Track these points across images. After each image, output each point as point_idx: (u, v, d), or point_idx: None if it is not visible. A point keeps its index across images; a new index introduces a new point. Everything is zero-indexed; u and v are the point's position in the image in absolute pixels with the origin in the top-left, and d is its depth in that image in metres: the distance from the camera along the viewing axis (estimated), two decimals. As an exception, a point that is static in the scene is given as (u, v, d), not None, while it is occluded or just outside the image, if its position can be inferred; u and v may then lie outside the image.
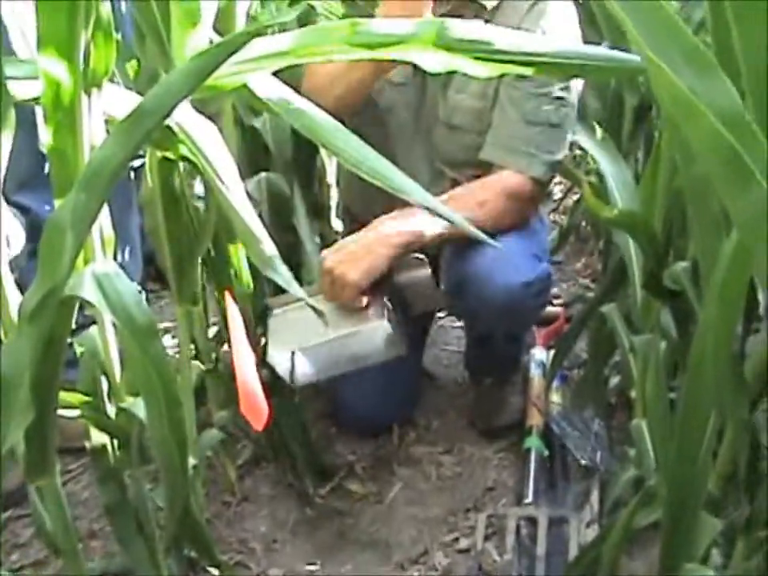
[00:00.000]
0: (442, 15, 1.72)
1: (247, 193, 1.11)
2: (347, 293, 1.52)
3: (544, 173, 1.72)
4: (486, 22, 1.68)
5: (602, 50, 1.19)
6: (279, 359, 1.55)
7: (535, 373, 2.11)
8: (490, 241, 1.10)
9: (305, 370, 1.56)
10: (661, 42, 0.63)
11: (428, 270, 1.61)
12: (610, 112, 2.02)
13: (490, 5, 1.73)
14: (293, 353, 1.52)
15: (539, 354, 2.16)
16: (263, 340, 1.62)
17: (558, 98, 1.68)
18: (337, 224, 2.16)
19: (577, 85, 1.71)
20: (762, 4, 0.81)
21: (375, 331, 1.54)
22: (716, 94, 0.62)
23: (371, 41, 1.11)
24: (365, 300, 1.54)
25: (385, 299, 1.56)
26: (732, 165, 0.58)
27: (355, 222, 1.98)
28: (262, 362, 1.56)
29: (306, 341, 1.53)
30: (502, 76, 1.61)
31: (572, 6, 1.69)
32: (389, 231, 1.56)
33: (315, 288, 1.59)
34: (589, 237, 2.84)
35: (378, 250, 1.54)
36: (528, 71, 1.15)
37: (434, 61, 1.11)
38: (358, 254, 1.54)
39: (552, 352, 2.07)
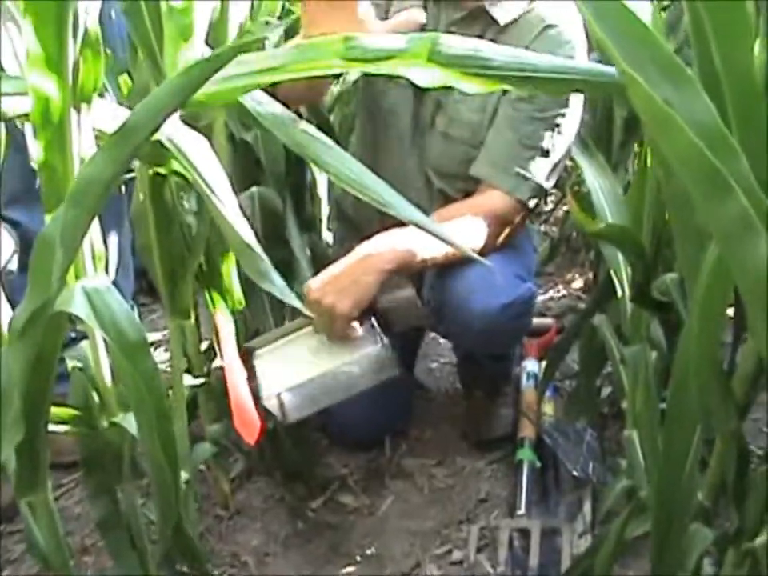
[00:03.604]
0: (451, 23, 1.73)
1: (239, 207, 1.11)
2: (338, 324, 1.50)
3: (530, 197, 1.72)
4: (492, 40, 1.69)
5: (592, 66, 1.20)
6: (274, 401, 1.50)
7: (527, 384, 2.12)
8: (481, 259, 1.11)
9: (300, 406, 1.52)
10: (636, 55, 0.63)
11: (412, 290, 1.59)
12: (600, 123, 2.03)
13: (503, 20, 1.72)
14: (286, 390, 1.49)
15: (531, 366, 2.16)
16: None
17: (556, 124, 1.68)
18: (328, 236, 2.17)
19: (576, 114, 1.71)
20: (741, 15, 0.83)
21: (368, 357, 1.52)
22: (692, 107, 0.62)
23: (364, 55, 1.12)
24: (354, 327, 1.52)
25: (372, 320, 1.55)
26: (709, 178, 0.58)
27: (347, 223, 1.98)
28: (253, 376, 1.56)
29: (299, 377, 1.50)
30: (504, 93, 1.64)
31: (583, 33, 1.68)
32: (375, 258, 1.53)
33: (299, 321, 1.57)
34: (580, 247, 2.85)
35: (366, 279, 1.51)
36: (520, 87, 1.16)
37: (427, 76, 1.12)
38: (345, 284, 1.51)
39: (544, 363, 2.07)
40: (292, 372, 1.50)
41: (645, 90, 0.59)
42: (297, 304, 1.00)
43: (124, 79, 1.72)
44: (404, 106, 1.80)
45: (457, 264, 1.63)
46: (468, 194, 1.77)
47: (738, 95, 0.84)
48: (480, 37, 1.71)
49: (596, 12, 0.66)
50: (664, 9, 2.22)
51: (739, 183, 0.58)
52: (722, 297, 0.82)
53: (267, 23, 1.64)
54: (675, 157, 0.61)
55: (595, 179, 1.57)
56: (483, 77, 1.11)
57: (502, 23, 1.72)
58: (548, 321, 2.39)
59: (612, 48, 0.64)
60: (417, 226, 1.10)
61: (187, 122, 1.14)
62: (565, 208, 2.83)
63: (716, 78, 0.86)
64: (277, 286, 0.99)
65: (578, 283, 2.76)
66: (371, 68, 1.12)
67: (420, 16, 1.67)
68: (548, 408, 2.05)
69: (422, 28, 1.67)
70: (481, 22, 1.74)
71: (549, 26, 1.70)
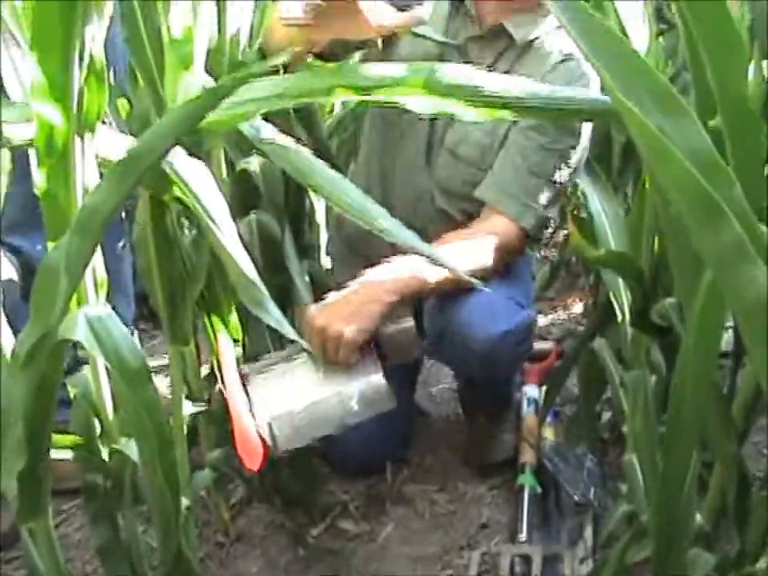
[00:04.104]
0: (470, 39, 1.75)
1: (238, 234, 1.12)
2: (343, 353, 1.48)
3: (534, 225, 1.72)
4: (510, 66, 1.71)
5: (589, 94, 1.22)
6: (265, 428, 1.46)
7: (528, 410, 2.12)
8: (481, 285, 1.11)
9: (291, 435, 1.48)
10: (631, 84, 0.64)
11: (411, 321, 1.58)
12: (599, 149, 2.04)
13: (521, 40, 1.73)
14: (278, 418, 1.46)
15: (531, 391, 2.16)
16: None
17: (565, 156, 1.69)
18: (326, 262, 2.17)
19: (584, 145, 1.72)
20: (735, 41, 0.84)
21: (365, 388, 1.50)
22: (687, 135, 0.63)
23: (361, 84, 1.14)
24: (355, 356, 1.51)
25: (371, 350, 1.53)
26: (704, 205, 0.59)
27: (347, 242, 1.98)
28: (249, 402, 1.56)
29: (293, 405, 1.47)
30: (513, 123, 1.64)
31: None
32: (380, 287, 1.53)
33: (295, 347, 1.54)
34: (579, 272, 2.86)
35: (371, 307, 1.51)
36: (517, 115, 1.18)
37: (424, 104, 1.13)
38: (351, 312, 1.51)
39: (544, 388, 2.08)
40: (285, 400, 1.48)
41: (640, 118, 0.60)
42: (293, 335, 1.01)
43: (122, 103, 1.73)
44: (418, 121, 1.79)
45: (457, 291, 1.63)
46: (469, 215, 1.78)
47: (733, 119, 0.85)
48: (500, 56, 1.74)
49: (591, 43, 0.67)
50: (662, 33, 2.24)
51: (733, 210, 0.59)
52: (717, 322, 0.83)
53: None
54: (670, 184, 0.61)
55: (599, 203, 1.58)
56: (480, 105, 1.13)
57: (519, 43, 1.73)
58: (548, 346, 2.39)
59: (607, 78, 0.65)
60: (417, 252, 1.12)
61: (187, 148, 1.15)
62: (564, 232, 2.83)
63: (712, 103, 0.87)
64: (273, 316, 0.99)
65: (578, 308, 2.77)
66: (370, 96, 1.14)
67: (424, 13, 1.67)
68: (549, 433, 2.05)
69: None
70: (500, 41, 1.75)
71: (567, 58, 1.71)
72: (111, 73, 1.64)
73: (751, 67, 1.18)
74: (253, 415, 1.44)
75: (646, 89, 0.65)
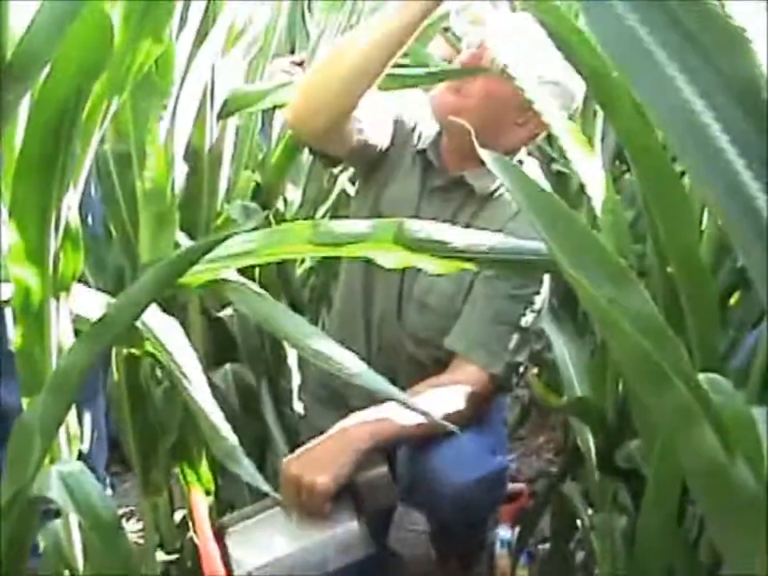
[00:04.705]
0: (432, 190, 1.80)
1: (214, 384, 1.14)
2: (316, 501, 1.48)
3: (503, 372, 1.74)
4: (472, 216, 1.76)
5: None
6: None
7: (501, 551, 2.10)
8: (455, 429, 1.13)
9: None
10: (581, 258, 0.69)
11: (385, 467, 1.59)
12: (564, 292, 2.09)
13: (481, 191, 1.77)
14: (257, 570, 1.45)
15: (504, 533, 2.15)
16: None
17: (530, 301, 1.73)
18: (299, 407, 2.18)
19: (546, 289, 1.76)
20: (685, 207, 0.89)
21: (341, 535, 1.49)
22: (633, 304, 0.67)
23: (333, 240, 1.18)
24: (329, 505, 1.50)
25: (345, 498, 1.54)
26: (651, 371, 0.62)
27: (323, 384, 1.99)
28: (226, 555, 1.55)
29: (271, 556, 1.46)
30: (477, 272, 1.69)
31: None
32: (352, 436, 1.54)
33: (272, 499, 1.55)
34: (550, 411, 2.88)
35: (344, 456, 1.51)
36: (482, 268, 1.23)
37: (392, 258, 1.18)
38: (324, 461, 1.50)
39: (517, 529, 2.07)
40: (263, 551, 1.47)
41: (589, 291, 0.64)
42: (266, 488, 1.02)
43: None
44: (386, 278, 1.82)
45: (430, 439, 1.65)
46: (441, 363, 1.80)
47: (685, 270, 0.90)
48: (461, 206, 1.79)
49: (544, 219, 0.71)
50: (624, 173, 2.33)
51: (679, 375, 0.62)
52: (677, 471, 0.85)
53: (244, 206, 1.71)
54: (620, 352, 0.65)
55: (563, 347, 1.62)
56: (446, 258, 1.18)
57: (479, 194, 1.77)
58: (520, 486, 2.40)
59: (558, 253, 0.69)
60: (391, 399, 1.15)
61: (161, 301, 1.18)
62: (535, 371, 2.87)
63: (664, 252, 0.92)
64: (246, 469, 1.01)
65: (550, 446, 2.78)
66: (340, 252, 1.18)
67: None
68: (522, 574, 2.04)
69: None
70: (461, 192, 1.80)
71: None
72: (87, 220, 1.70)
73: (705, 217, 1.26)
74: (230, 568, 1.43)
75: (595, 262, 0.69)
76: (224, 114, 1.68)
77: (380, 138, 1.76)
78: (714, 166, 0.56)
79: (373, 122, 1.72)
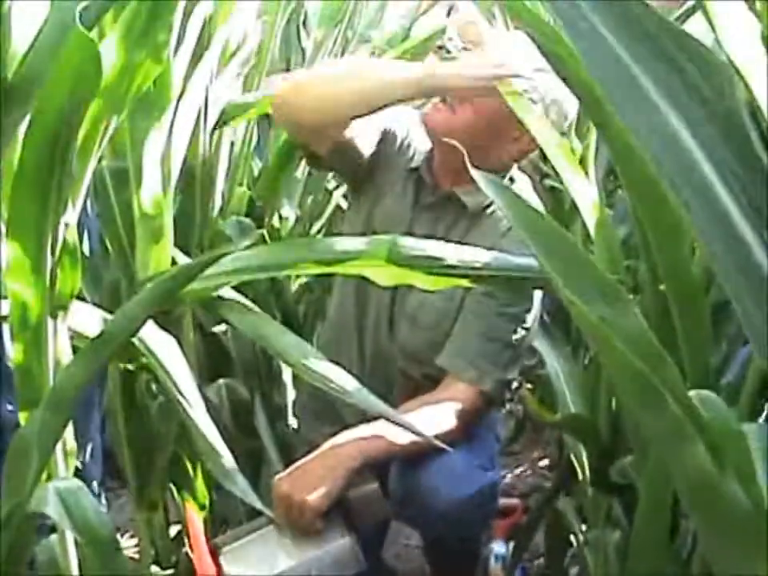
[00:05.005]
0: (424, 206, 1.81)
1: (208, 399, 1.15)
2: (308, 519, 1.48)
3: (494, 388, 1.74)
4: (465, 232, 1.77)
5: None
6: None
7: (495, 566, 2.10)
8: (446, 447, 1.14)
9: None
10: (575, 277, 0.70)
11: (376, 484, 1.60)
12: (557, 309, 2.09)
13: (472, 207, 1.77)
14: None
15: (498, 548, 2.15)
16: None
17: (521, 319, 1.74)
18: (294, 422, 2.18)
19: (537, 306, 1.77)
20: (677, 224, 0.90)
21: (334, 552, 1.49)
22: (625, 323, 0.68)
23: (327, 257, 1.20)
24: (321, 522, 1.50)
25: (337, 514, 1.55)
26: (643, 389, 0.63)
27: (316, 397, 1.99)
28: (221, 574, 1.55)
29: (267, 573, 1.45)
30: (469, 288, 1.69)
31: None
32: (343, 453, 1.54)
33: (265, 517, 1.51)
34: (544, 426, 2.88)
35: (334, 473, 1.51)
36: (475, 284, 1.24)
37: (386, 275, 1.19)
38: (315, 479, 1.51)
39: (512, 544, 2.08)
40: (257, 569, 1.48)
41: (582, 310, 0.65)
42: (259, 505, 1.03)
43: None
44: (378, 292, 1.83)
45: (421, 456, 1.65)
46: (432, 379, 1.80)
47: (677, 286, 0.91)
48: (453, 223, 1.80)
49: (537, 239, 0.72)
50: (615, 190, 2.34)
51: (670, 392, 0.63)
52: (669, 487, 0.86)
53: (239, 222, 1.71)
54: (613, 370, 0.66)
55: (556, 364, 1.63)
56: (439, 275, 1.19)
57: (471, 210, 1.77)
58: (514, 501, 2.40)
59: (553, 273, 0.70)
60: (381, 416, 1.15)
61: (156, 315, 1.18)
62: (529, 386, 2.87)
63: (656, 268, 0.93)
64: (240, 486, 1.02)
65: (544, 461, 2.78)
66: (334, 269, 1.19)
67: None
68: (517, 590, 2.04)
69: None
70: (453, 209, 1.80)
71: None
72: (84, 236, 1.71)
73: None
74: None
75: (588, 281, 0.70)
76: (217, 125, 1.70)
77: (362, 143, 1.77)
78: (699, 194, 0.58)
79: (356, 128, 1.73)
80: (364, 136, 1.76)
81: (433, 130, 1.73)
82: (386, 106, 1.62)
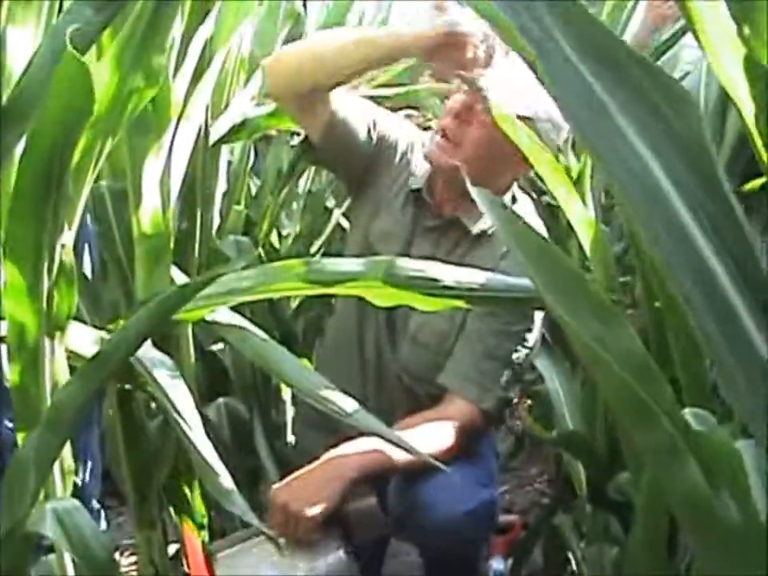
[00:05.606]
0: (426, 229, 1.82)
1: (207, 418, 1.15)
2: (303, 530, 1.48)
3: (495, 407, 1.75)
4: (465, 254, 1.78)
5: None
6: None
7: (494, 583, 2.10)
8: (443, 467, 1.14)
9: None
10: (569, 297, 0.70)
11: (374, 498, 1.60)
12: (557, 327, 2.10)
13: (475, 230, 1.79)
14: None
15: (497, 564, 2.15)
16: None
17: (521, 338, 1.75)
18: (292, 439, 2.18)
19: (538, 324, 1.78)
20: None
21: (329, 565, 1.50)
22: (620, 342, 0.69)
23: (324, 278, 1.20)
24: (317, 534, 1.50)
25: (334, 528, 1.54)
26: (636, 407, 0.64)
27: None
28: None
29: None
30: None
31: None
32: (341, 466, 1.54)
33: (257, 528, 1.55)
34: (543, 443, 2.88)
35: (332, 485, 1.51)
36: (472, 305, 1.24)
37: (384, 296, 1.20)
38: (312, 490, 1.51)
39: (510, 561, 2.07)
40: None
41: (575, 329, 0.66)
42: (257, 523, 1.03)
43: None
44: (375, 314, 1.84)
45: (420, 472, 1.65)
46: (435, 397, 1.81)
47: (672, 303, 0.91)
48: (455, 246, 1.80)
49: (531, 258, 0.73)
50: (613, 206, 2.34)
51: (664, 411, 0.63)
52: (663, 501, 0.86)
53: (237, 242, 1.72)
54: (606, 389, 0.66)
55: (556, 382, 1.63)
56: (436, 296, 1.19)
57: (473, 233, 1.79)
58: (512, 518, 2.40)
59: (546, 292, 0.70)
60: (378, 435, 1.15)
61: (155, 336, 1.19)
62: (528, 402, 2.87)
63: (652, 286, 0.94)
64: (238, 505, 1.02)
65: (543, 477, 2.78)
66: (332, 290, 1.20)
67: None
68: (516, 606, 2.04)
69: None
70: (455, 232, 1.81)
71: None
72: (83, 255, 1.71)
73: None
74: None
75: (583, 301, 0.70)
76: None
77: (355, 133, 1.80)
78: (663, 218, 0.59)
79: (350, 112, 1.77)
80: (358, 127, 1.80)
81: (439, 168, 1.75)
82: (362, 68, 1.72)
